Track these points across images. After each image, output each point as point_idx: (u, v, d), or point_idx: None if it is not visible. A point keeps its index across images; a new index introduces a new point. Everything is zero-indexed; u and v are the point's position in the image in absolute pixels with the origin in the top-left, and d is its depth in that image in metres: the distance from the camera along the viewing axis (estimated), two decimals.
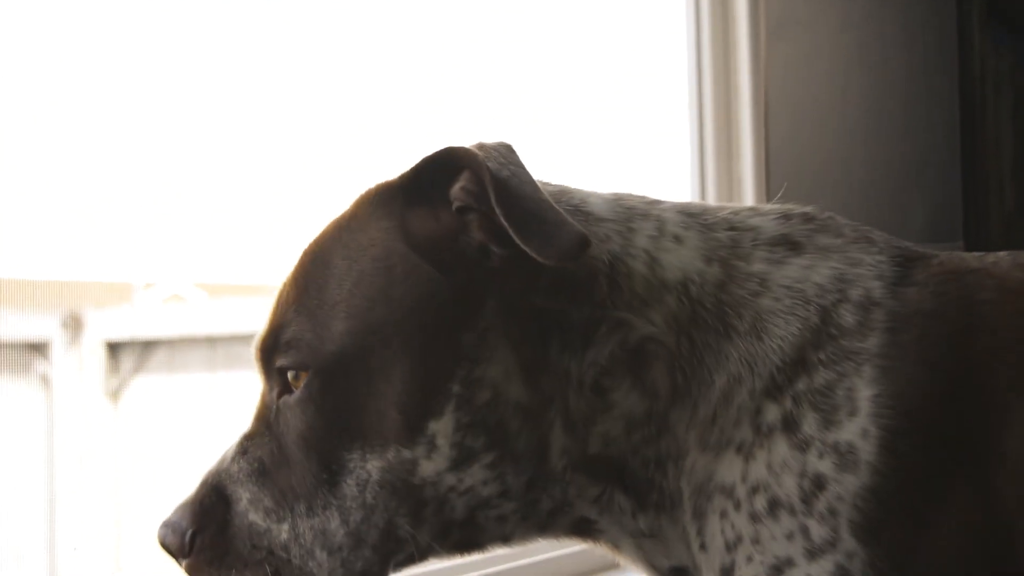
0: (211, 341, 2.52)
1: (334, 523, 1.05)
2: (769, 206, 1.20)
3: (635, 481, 1.10)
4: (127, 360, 2.28)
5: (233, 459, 1.11)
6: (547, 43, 2.59)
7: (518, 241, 0.99)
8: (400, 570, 1.11)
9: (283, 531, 1.06)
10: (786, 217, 1.17)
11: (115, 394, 2.23)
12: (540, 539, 1.17)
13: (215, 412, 2.38)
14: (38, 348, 2.10)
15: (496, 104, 2.41)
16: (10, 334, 1.86)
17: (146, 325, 2.44)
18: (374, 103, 2.34)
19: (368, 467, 1.04)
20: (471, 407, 1.04)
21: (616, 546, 1.16)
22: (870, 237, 1.15)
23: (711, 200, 2.35)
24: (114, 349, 2.26)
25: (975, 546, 0.97)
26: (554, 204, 1.01)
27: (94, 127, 1.99)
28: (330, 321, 1.06)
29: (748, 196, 2.32)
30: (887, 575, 0.98)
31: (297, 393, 1.07)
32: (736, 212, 1.18)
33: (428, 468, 1.04)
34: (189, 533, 1.08)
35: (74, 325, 2.17)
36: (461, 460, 1.04)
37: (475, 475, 1.05)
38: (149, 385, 2.30)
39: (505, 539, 1.13)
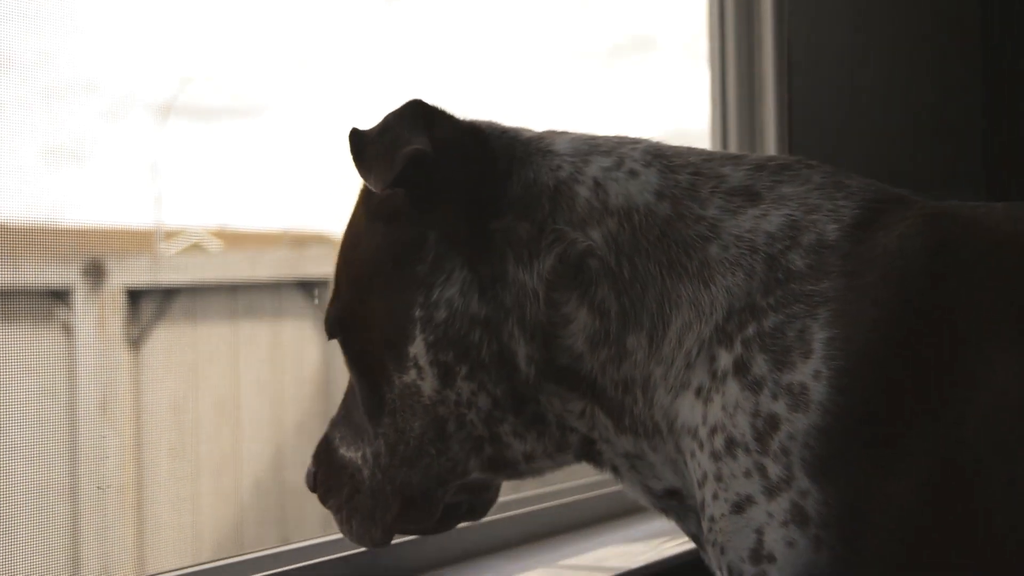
0: (232, 289, 2.53)
1: (382, 447, 1.24)
2: (752, 155, 1.22)
3: (608, 402, 1.17)
4: (148, 308, 2.29)
5: (338, 409, 1.32)
6: None
7: (361, 176, 1.19)
8: (457, 488, 1.27)
9: (358, 458, 1.27)
10: (759, 167, 1.18)
11: (136, 342, 2.24)
12: (564, 460, 1.26)
13: (236, 360, 2.40)
14: (59, 296, 2.11)
15: (516, 51, 2.40)
16: (31, 282, 1.87)
17: (167, 273, 2.44)
18: (389, 51, 2.33)
19: (391, 397, 1.22)
20: (432, 326, 1.18)
21: (616, 470, 1.24)
22: (841, 183, 1.15)
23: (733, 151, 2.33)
24: (135, 297, 2.26)
25: (937, 490, 0.97)
26: (383, 149, 1.16)
27: (116, 74, 1.99)
28: (341, 289, 1.28)
29: (770, 147, 2.30)
30: (840, 514, 0.99)
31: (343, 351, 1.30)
32: (710, 159, 1.20)
33: (427, 388, 1.20)
34: (313, 473, 1.32)
35: (95, 273, 2.18)
36: (444, 375, 1.19)
37: (463, 388, 1.19)
38: (170, 333, 2.31)
39: (529, 457, 1.24)
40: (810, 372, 1.02)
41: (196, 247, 2.62)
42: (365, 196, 1.28)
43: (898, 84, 2.71)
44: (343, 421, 1.30)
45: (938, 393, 1.00)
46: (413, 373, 1.20)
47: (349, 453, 1.28)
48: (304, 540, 1.61)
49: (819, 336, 1.03)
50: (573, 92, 2.48)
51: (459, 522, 1.36)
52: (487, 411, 1.20)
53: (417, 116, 1.19)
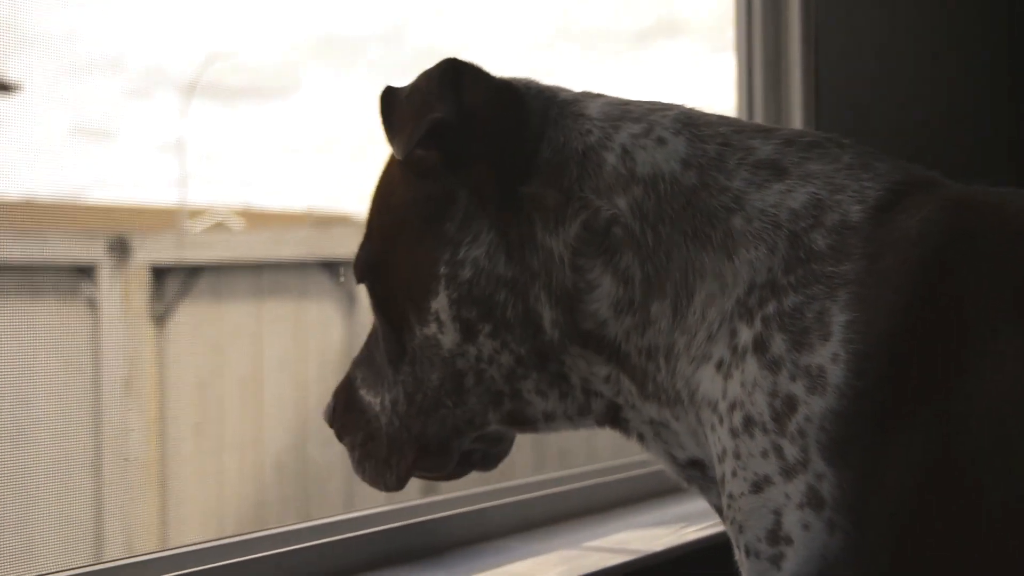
0: (256, 268, 2.53)
1: (401, 395, 1.25)
2: (784, 130, 1.20)
3: (632, 368, 1.17)
4: (172, 285, 2.29)
5: (360, 349, 1.32)
6: None
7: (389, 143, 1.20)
8: (475, 439, 1.27)
9: (376, 403, 1.27)
10: (788, 142, 1.16)
11: (160, 319, 2.24)
12: (585, 424, 1.25)
13: (259, 339, 2.40)
14: (85, 272, 2.12)
15: (548, 26, 2.39)
16: (57, 257, 1.88)
17: (192, 251, 2.45)
18: (417, 30, 2.33)
19: (412, 347, 1.23)
20: (456, 284, 1.19)
21: (641, 437, 1.23)
22: (870, 164, 1.13)
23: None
24: (159, 274, 2.27)
25: (937, 479, 0.96)
26: (409, 114, 1.19)
27: (148, 46, 1.99)
28: (372, 234, 1.28)
29: (796, 125, 2.28)
30: (853, 498, 0.98)
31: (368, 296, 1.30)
32: (740, 130, 1.19)
33: (447, 341, 1.20)
34: (332, 408, 1.31)
35: (120, 250, 2.19)
36: (466, 331, 1.19)
37: (485, 345, 1.20)
38: (194, 311, 2.32)
39: (550, 417, 1.24)
40: (828, 355, 1.01)
41: (220, 226, 2.63)
42: None
43: (926, 70, 2.69)
44: (364, 362, 1.30)
45: (944, 382, 0.98)
46: (434, 327, 1.20)
47: (368, 396, 1.28)
48: (326, 517, 1.61)
49: (838, 319, 1.02)
50: (598, 73, 2.47)
51: (472, 470, 1.33)
52: (510, 368, 1.20)
53: (448, 76, 1.18)
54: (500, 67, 1.27)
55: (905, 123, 2.55)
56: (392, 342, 1.25)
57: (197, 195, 2.36)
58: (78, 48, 1.80)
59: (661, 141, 1.17)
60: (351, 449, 1.30)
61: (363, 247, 1.28)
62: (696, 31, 2.81)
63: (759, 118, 2.33)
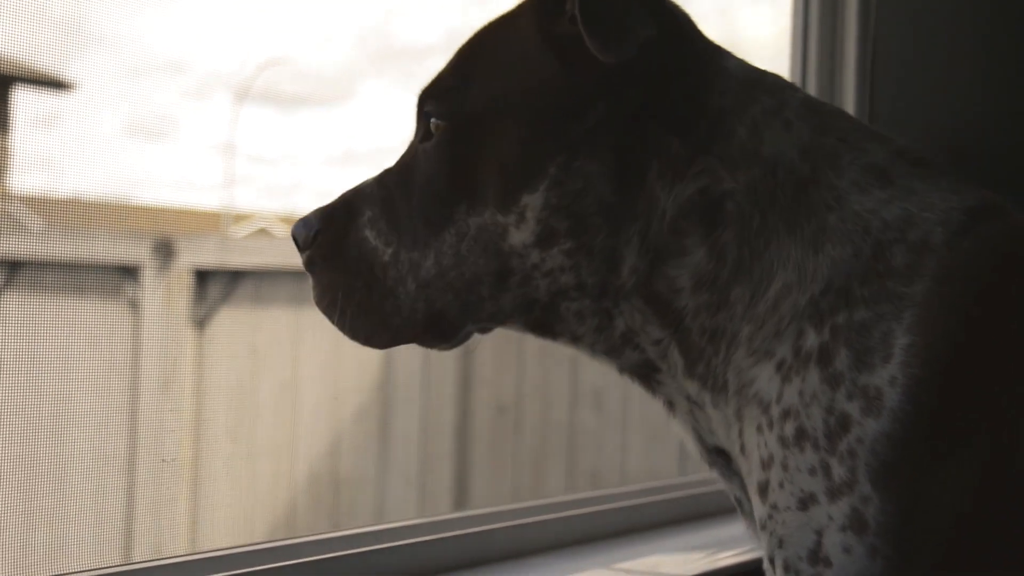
0: (298, 275, 2.54)
1: (429, 261, 1.16)
2: (899, 140, 1.17)
3: (688, 344, 1.14)
4: (214, 289, 2.30)
5: (370, 183, 1.22)
6: None
7: (584, 34, 1.07)
8: (481, 327, 1.20)
9: (387, 254, 1.17)
10: (900, 154, 1.14)
11: (201, 322, 2.25)
12: (610, 363, 1.21)
13: (298, 347, 2.41)
14: (129, 272, 2.13)
15: None
16: (102, 256, 1.89)
17: (235, 256, 2.46)
18: None
19: (469, 222, 1.14)
20: (562, 190, 1.12)
21: (672, 405, 1.20)
22: (959, 189, 1.12)
23: None
24: (202, 278, 2.28)
25: (993, 506, 0.96)
26: (631, 8, 1.09)
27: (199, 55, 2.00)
28: (473, 82, 1.17)
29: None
30: (899, 524, 0.97)
31: (432, 140, 1.18)
32: (858, 130, 1.16)
33: (516, 237, 1.13)
34: (314, 231, 1.19)
35: (165, 251, 2.20)
36: (544, 238, 1.13)
37: (555, 258, 1.13)
38: (234, 315, 2.33)
39: (576, 339, 1.19)
40: (887, 377, 1.00)
41: (264, 232, 2.64)
42: (545, 12, 1.16)
43: (986, 101, 2.66)
44: (380, 200, 1.20)
45: (1003, 413, 0.98)
46: (512, 219, 1.13)
47: (376, 241, 1.18)
48: (357, 528, 1.60)
49: (900, 341, 1.01)
50: None
51: (464, 342, 1.25)
52: (563, 287, 1.14)
53: None
54: None
55: (962, 152, 2.52)
56: (441, 206, 1.16)
57: (243, 199, 2.37)
58: (139, 50, 1.81)
59: (788, 124, 1.14)
60: (331, 288, 1.18)
61: (455, 88, 1.18)
62: (753, 53, 2.80)
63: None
